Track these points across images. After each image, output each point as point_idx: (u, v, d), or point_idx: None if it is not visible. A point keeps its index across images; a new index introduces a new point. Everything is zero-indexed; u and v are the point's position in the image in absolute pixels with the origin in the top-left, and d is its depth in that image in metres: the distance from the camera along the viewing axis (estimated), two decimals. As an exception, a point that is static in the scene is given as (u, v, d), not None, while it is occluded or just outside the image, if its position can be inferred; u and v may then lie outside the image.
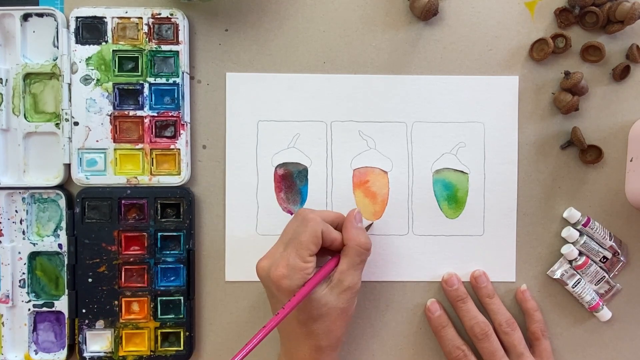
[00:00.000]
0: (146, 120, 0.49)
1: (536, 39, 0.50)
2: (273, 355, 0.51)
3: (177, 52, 0.49)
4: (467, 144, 0.51)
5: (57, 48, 0.49)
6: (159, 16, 0.48)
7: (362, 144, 0.51)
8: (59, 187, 0.49)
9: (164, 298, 0.49)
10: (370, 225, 0.50)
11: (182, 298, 0.49)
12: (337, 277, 0.44)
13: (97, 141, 0.49)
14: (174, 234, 0.49)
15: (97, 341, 0.49)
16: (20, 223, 0.49)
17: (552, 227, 0.51)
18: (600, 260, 0.51)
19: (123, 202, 0.49)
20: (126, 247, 0.49)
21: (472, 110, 0.51)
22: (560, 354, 0.51)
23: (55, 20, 0.49)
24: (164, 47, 0.49)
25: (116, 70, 0.49)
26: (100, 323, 0.49)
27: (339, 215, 0.47)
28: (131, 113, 0.49)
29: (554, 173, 0.51)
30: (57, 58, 0.49)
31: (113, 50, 0.49)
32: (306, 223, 0.43)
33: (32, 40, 0.49)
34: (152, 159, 0.49)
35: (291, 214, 0.50)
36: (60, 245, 0.49)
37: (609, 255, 0.50)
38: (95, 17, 0.48)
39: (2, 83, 0.49)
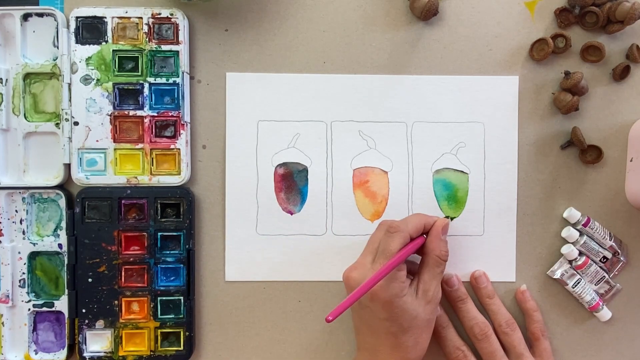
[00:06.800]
0: (146, 120, 0.49)
1: (536, 39, 0.50)
2: None
3: (177, 52, 0.49)
4: (467, 144, 0.51)
5: (57, 48, 0.49)
6: (159, 16, 0.48)
7: (362, 144, 0.51)
8: (59, 187, 0.49)
9: (164, 298, 0.49)
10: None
11: (182, 298, 0.49)
12: (421, 287, 0.45)
13: (97, 141, 0.49)
14: (174, 233, 0.49)
15: (97, 341, 0.49)
16: (20, 223, 0.49)
17: (552, 227, 0.51)
18: (600, 260, 0.51)
19: (123, 202, 0.49)
20: (126, 247, 0.49)
21: (472, 110, 0.51)
22: (560, 354, 0.51)
23: (55, 20, 0.49)
24: (164, 47, 0.49)
25: (116, 70, 0.49)
26: (100, 323, 0.49)
27: (422, 222, 0.47)
28: (131, 113, 0.49)
29: (554, 173, 0.51)
30: (57, 58, 0.49)
31: (113, 50, 0.49)
32: (393, 234, 0.44)
33: (32, 40, 0.49)
34: (152, 158, 0.49)
35: (291, 214, 0.50)
36: (60, 245, 0.49)
37: (609, 255, 0.50)
38: (95, 17, 0.48)
39: (2, 83, 0.49)
